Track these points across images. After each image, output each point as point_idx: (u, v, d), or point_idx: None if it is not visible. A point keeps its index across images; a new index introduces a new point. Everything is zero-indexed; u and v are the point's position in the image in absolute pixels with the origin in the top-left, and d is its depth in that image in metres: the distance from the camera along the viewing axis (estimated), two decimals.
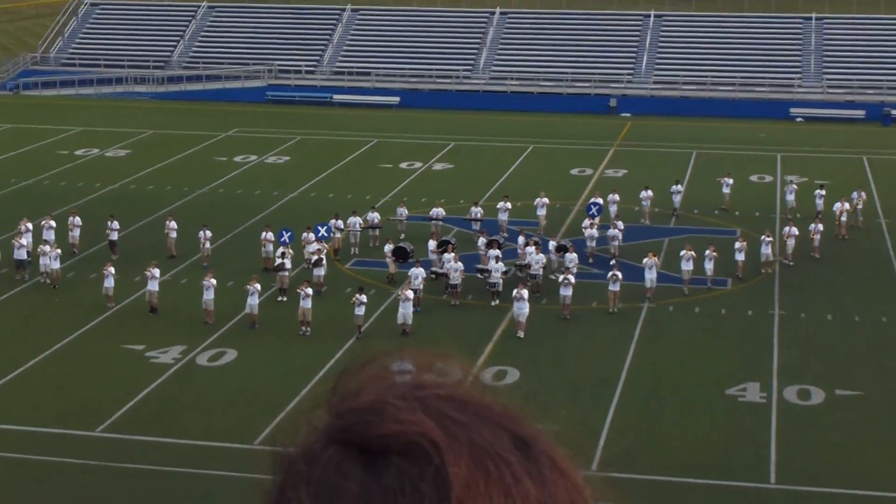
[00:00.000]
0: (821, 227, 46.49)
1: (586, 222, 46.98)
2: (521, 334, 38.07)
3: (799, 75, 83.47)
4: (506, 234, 47.30)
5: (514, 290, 38.74)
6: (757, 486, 28.91)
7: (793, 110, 78.19)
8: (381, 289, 42.04)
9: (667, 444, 30.99)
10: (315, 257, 42.58)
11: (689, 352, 37.38)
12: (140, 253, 44.11)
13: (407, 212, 49.58)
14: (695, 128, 72.55)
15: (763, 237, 44.54)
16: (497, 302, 40.62)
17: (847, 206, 48.77)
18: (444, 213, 49.25)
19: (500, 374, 35.30)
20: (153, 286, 40.02)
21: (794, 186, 52.36)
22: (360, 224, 47.54)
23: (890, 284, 42.92)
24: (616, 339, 38.12)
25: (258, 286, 38.83)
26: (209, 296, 38.94)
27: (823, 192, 51.37)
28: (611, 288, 40.18)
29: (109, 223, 46.43)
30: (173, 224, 46.28)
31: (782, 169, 60.72)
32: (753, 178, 58.98)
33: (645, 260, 41.67)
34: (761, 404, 33.43)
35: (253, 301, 38.61)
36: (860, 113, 77.11)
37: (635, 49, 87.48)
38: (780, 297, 41.66)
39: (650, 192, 51.20)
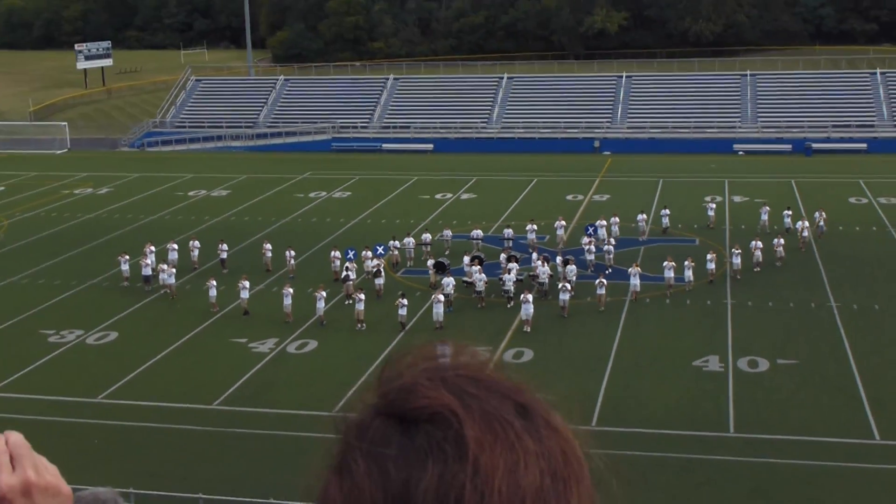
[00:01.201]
0: (783, 241, 45.56)
1: (585, 240, 46.35)
2: (527, 329, 37.65)
3: (739, 119, 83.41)
4: (532, 249, 46.68)
5: (521, 295, 38.50)
6: (719, 434, 28.91)
7: (736, 146, 78.11)
8: (424, 292, 42.07)
9: (648, 404, 31.04)
10: (375, 270, 42.61)
11: (662, 333, 37.31)
12: (241, 268, 44.34)
13: (451, 232, 49.48)
14: (660, 162, 72.49)
15: (733, 250, 43.78)
16: (511, 304, 40.10)
17: (807, 223, 47.95)
18: (482, 234, 48.89)
19: (518, 354, 35.47)
20: (244, 294, 40.17)
21: (767, 208, 51.18)
22: (412, 242, 47.32)
23: (816, 279, 42.80)
24: (605, 325, 38.12)
25: (324, 293, 39.00)
26: (288, 301, 39.03)
27: (790, 212, 50.50)
28: (598, 291, 39.73)
29: (220, 245, 46.82)
30: (269, 246, 46.61)
31: (729, 191, 60.62)
32: (707, 198, 58.74)
33: (630, 269, 41.29)
34: (720, 372, 33.43)
35: (320, 304, 38.69)
36: (788, 147, 77.02)
37: (612, 102, 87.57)
38: (731, 290, 41.59)
39: (645, 215, 51.10)
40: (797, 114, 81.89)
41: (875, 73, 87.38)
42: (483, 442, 1.57)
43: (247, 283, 40.49)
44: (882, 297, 40.50)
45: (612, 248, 45.90)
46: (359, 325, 38.24)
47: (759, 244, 44.53)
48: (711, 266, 42.68)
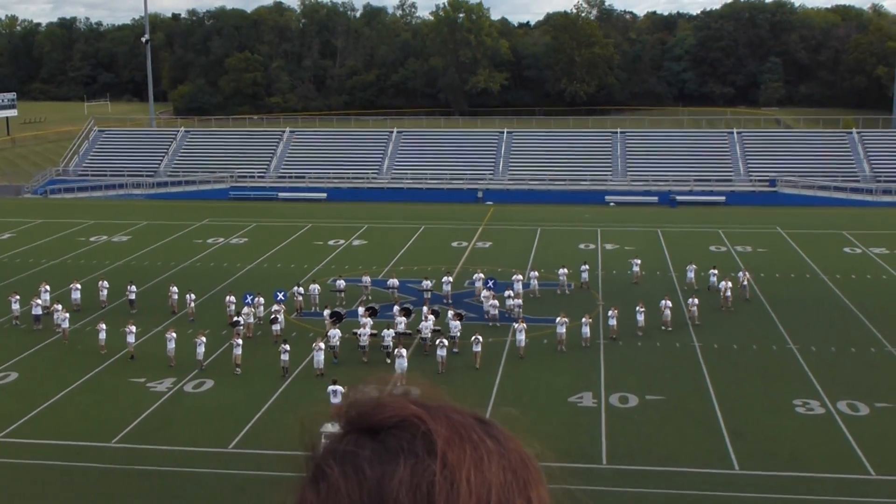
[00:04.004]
0: (697, 301, 43.46)
1: (486, 293, 44.50)
2: (402, 383, 35.95)
3: (610, 172, 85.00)
4: (449, 301, 45.20)
5: (396, 350, 36.59)
6: (593, 466, 29.12)
7: (607, 198, 79.55)
8: (319, 335, 41.42)
9: (527, 439, 31.05)
10: (273, 316, 41.44)
11: (540, 372, 37.35)
12: (146, 310, 43.66)
13: (370, 279, 47.94)
14: (538, 211, 73.43)
15: (637, 308, 41.55)
16: (388, 361, 37.09)
17: (730, 283, 45.65)
18: (397, 283, 47.27)
19: (405, 392, 35.16)
20: (130, 339, 38.80)
21: (694, 266, 49.14)
22: (318, 289, 45.57)
23: (680, 320, 43.37)
24: (488, 364, 37.96)
25: (203, 338, 37.93)
26: (171, 345, 37.81)
27: (716, 271, 48.62)
28: (474, 349, 37.52)
29: (129, 287, 45.89)
30: (175, 289, 45.68)
31: (602, 239, 61.59)
32: (581, 246, 59.66)
33: (516, 325, 39.63)
34: (594, 408, 33.67)
35: (200, 350, 37.48)
36: (654, 199, 78.76)
37: (494, 155, 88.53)
38: (603, 331, 41.91)
39: (566, 269, 48.60)
40: (663, 168, 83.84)
41: (732, 133, 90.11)
42: (450, 440, 1.61)
43: (133, 328, 39.20)
44: (739, 336, 41.38)
45: (520, 301, 43.97)
46: (236, 370, 36.96)
47: (669, 303, 42.37)
48: (613, 322, 40.76)
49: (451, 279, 47.50)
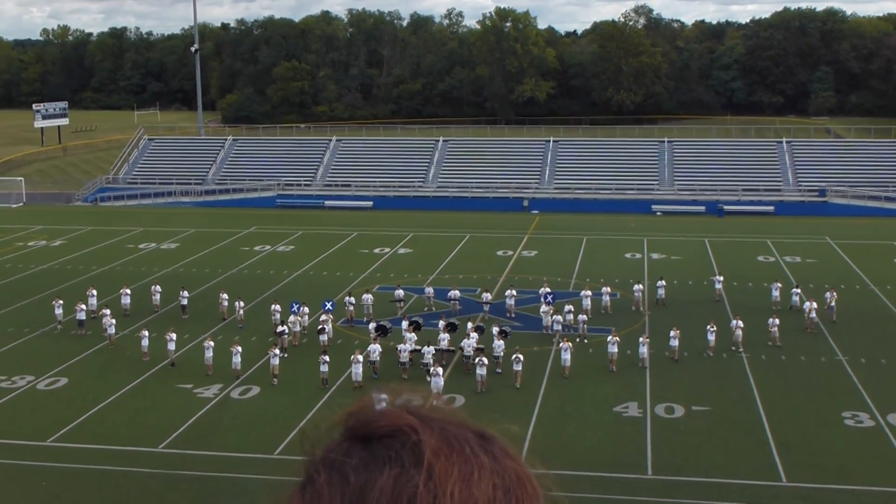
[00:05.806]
0: (778, 321, 41.52)
1: (544, 307, 43.55)
2: (437, 403, 34.81)
3: (657, 182, 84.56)
4: (513, 315, 44.71)
5: (432, 368, 35.83)
6: (638, 476, 28.98)
7: (654, 207, 79.14)
8: (363, 342, 41.55)
9: (572, 448, 31.00)
10: (320, 326, 41.35)
11: (586, 381, 37.27)
12: (195, 316, 44.14)
13: (433, 290, 47.50)
14: (584, 220, 73.21)
15: (708, 327, 40.33)
16: (429, 378, 35.24)
17: (815, 304, 43.72)
18: (459, 294, 46.26)
19: (449, 401, 35.15)
20: (171, 346, 39.03)
21: (779, 284, 47.08)
22: (371, 299, 45.16)
23: (727, 330, 42.89)
24: (532, 373, 37.94)
25: (240, 348, 38.05)
26: (209, 354, 37.94)
27: (799, 290, 46.64)
28: (515, 368, 36.35)
29: (181, 292, 46.40)
30: (225, 296, 45.98)
31: (648, 249, 61.26)
32: (627, 255, 59.40)
33: (561, 345, 38.54)
34: (639, 417, 33.53)
35: (236, 359, 37.51)
36: (701, 208, 78.20)
37: (541, 164, 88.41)
38: (650, 342, 41.59)
39: (640, 286, 47.57)
40: (710, 178, 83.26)
41: (781, 142, 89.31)
42: (439, 452, 1.60)
43: (174, 336, 39.31)
44: (787, 347, 40.97)
45: (586, 318, 42.77)
46: (273, 380, 36.92)
47: (741, 323, 40.47)
48: (675, 343, 39.35)
49: (514, 293, 46.26)
